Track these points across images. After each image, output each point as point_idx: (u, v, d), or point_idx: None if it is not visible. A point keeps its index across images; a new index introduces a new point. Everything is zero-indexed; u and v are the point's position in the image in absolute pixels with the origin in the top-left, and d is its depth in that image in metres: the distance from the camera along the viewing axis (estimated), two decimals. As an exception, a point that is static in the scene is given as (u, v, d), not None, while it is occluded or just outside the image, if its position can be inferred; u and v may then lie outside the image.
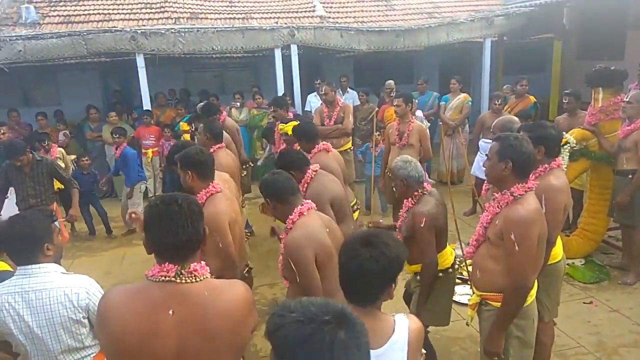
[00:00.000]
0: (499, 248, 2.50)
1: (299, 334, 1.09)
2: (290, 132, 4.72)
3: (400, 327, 1.65)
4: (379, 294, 1.68)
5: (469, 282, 4.19)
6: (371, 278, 1.63)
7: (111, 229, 6.91)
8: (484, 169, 2.69)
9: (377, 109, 8.21)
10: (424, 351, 1.74)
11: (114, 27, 7.74)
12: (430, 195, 3.12)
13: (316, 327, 1.10)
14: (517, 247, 2.38)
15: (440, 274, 3.16)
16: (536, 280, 2.65)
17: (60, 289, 2.20)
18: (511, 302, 2.49)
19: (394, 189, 3.25)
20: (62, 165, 6.06)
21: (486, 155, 2.65)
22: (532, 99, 7.29)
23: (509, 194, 2.49)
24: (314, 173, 3.53)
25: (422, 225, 2.98)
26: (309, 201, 2.73)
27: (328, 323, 1.10)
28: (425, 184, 3.19)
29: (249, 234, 5.80)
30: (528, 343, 2.64)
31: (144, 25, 7.92)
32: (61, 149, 6.74)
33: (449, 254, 3.25)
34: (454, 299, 4.49)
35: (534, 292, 2.62)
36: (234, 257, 2.97)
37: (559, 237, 3.02)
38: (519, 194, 2.47)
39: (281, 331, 1.12)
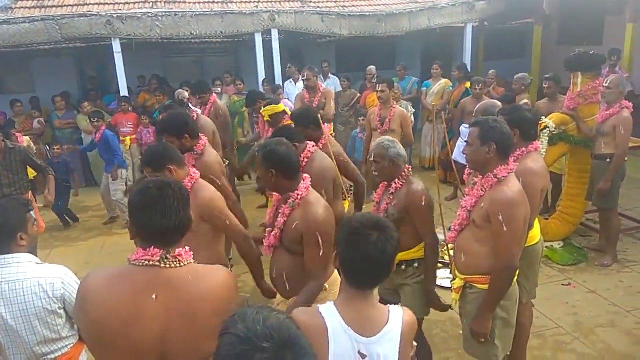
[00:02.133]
0: (485, 230, 2.52)
1: (230, 349, 1.02)
2: (268, 115, 4.62)
3: (394, 318, 1.64)
4: (390, 273, 1.68)
5: (449, 267, 4.22)
6: (390, 259, 1.64)
7: (67, 220, 6.77)
8: (465, 155, 2.69)
9: (359, 95, 8.18)
10: (415, 343, 1.73)
11: (89, 11, 7.52)
12: (412, 175, 3.07)
13: (247, 350, 1.00)
14: (505, 228, 2.41)
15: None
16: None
17: (34, 280, 2.16)
18: (500, 283, 2.51)
19: (377, 172, 3.06)
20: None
21: (466, 141, 2.65)
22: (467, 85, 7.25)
23: (492, 176, 2.50)
24: (313, 149, 3.44)
25: (423, 204, 2.89)
26: (307, 175, 2.65)
27: (263, 351, 0.99)
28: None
29: None
30: (511, 323, 2.69)
31: (120, 10, 7.71)
32: (27, 138, 6.53)
33: None
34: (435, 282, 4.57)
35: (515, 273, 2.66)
36: (244, 231, 2.92)
37: (536, 220, 3.06)
38: (503, 176, 2.48)
39: (224, 337, 1.06)
